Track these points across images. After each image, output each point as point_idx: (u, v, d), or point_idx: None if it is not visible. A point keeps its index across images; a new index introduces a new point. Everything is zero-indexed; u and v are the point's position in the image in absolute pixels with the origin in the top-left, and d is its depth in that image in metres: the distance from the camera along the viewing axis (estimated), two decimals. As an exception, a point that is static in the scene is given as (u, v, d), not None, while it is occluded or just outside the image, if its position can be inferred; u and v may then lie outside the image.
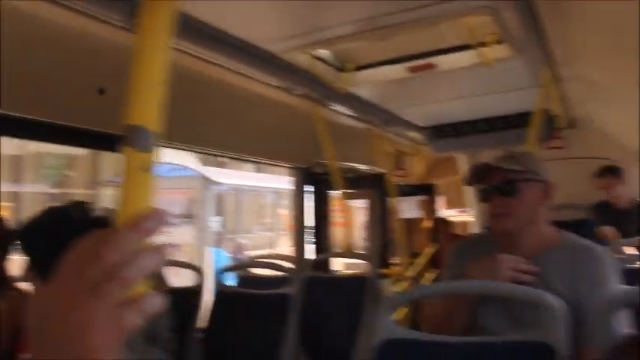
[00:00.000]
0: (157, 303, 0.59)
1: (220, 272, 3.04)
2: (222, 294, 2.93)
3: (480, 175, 1.88)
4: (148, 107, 0.63)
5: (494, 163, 1.83)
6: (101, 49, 2.15)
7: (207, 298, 3.02)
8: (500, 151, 2.36)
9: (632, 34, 2.29)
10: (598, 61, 2.90)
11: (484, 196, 1.84)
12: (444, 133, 4.53)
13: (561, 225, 1.90)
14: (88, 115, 2.27)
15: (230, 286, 3.01)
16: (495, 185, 1.81)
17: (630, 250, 2.86)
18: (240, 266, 3.91)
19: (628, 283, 1.81)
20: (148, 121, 0.63)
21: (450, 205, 8.78)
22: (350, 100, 3.34)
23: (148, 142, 0.63)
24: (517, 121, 4.22)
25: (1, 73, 1.79)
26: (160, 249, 0.61)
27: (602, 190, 4.45)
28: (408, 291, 1.84)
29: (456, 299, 1.76)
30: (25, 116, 2.08)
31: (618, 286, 1.70)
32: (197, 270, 3.12)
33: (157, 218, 0.61)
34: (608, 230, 4.15)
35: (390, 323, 1.55)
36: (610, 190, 4.39)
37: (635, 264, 2.29)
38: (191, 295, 3.00)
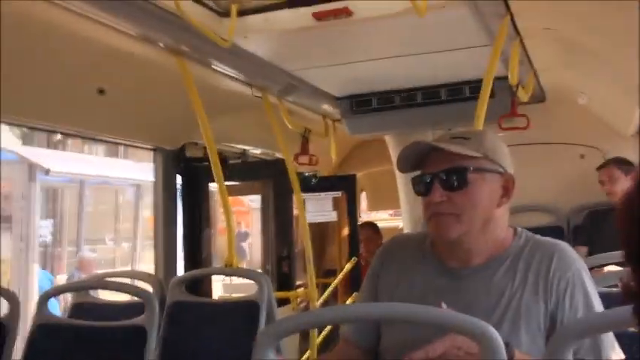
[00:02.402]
0: None
1: (44, 298, 3.00)
2: (44, 327, 2.90)
3: (418, 159, 1.93)
4: None
5: (439, 144, 1.87)
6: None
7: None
8: (442, 131, 2.43)
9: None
10: (575, 11, 3.04)
11: (422, 188, 1.89)
12: (366, 106, 4.64)
13: None
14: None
15: (56, 317, 2.98)
16: (439, 173, 1.86)
17: (611, 268, 3.02)
18: (70, 288, 3.86)
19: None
20: None
21: (378, 205, 8.98)
22: (237, 57, 3.37)
23: None
24: (465, 92, 4.38)
25: None
26: None
27: (602, 186, 4.80)
28: (292, 316, 1.89)
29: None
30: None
31: (599, 304, 1.84)
32: (7, 296, 3.06)
33: None
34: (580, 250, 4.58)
35: (273, 360, 1.60)
36: (609, 186, 4.73)
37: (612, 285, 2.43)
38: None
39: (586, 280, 1.84)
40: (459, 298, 1.81)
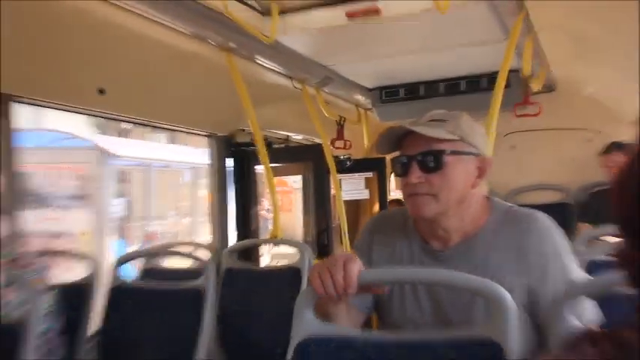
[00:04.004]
0: None
1: (118, 264, 3.05)
2: (118, 289, 2.95)
3: (397, 141, 1.80)
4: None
5: (416, 128, 1.73)
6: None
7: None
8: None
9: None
10: (584, 7, 2.98)
11: (400, 170, 1.78)
12: (394, 96, 4.61)
13: (533, 209, 1.90)
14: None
15: (128, 280, 3.03)
16: (416, 156, 1.74)
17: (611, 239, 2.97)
18: (140, 255, 3.91)
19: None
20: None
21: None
22: (278, 52, 3.37)
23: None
24: (482, 84, 4.34)
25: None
26: None
27: (607, 170, 4.68)
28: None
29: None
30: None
31: (576, 269, 1.74)
32: (88, 261, 3.12)
33: None
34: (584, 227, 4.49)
35: (311, 318, 1.60)
36: (615, 170, 4.62)
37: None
38: (81, 290, 3.01)
39: (561, 249, 1.73)
40: None
